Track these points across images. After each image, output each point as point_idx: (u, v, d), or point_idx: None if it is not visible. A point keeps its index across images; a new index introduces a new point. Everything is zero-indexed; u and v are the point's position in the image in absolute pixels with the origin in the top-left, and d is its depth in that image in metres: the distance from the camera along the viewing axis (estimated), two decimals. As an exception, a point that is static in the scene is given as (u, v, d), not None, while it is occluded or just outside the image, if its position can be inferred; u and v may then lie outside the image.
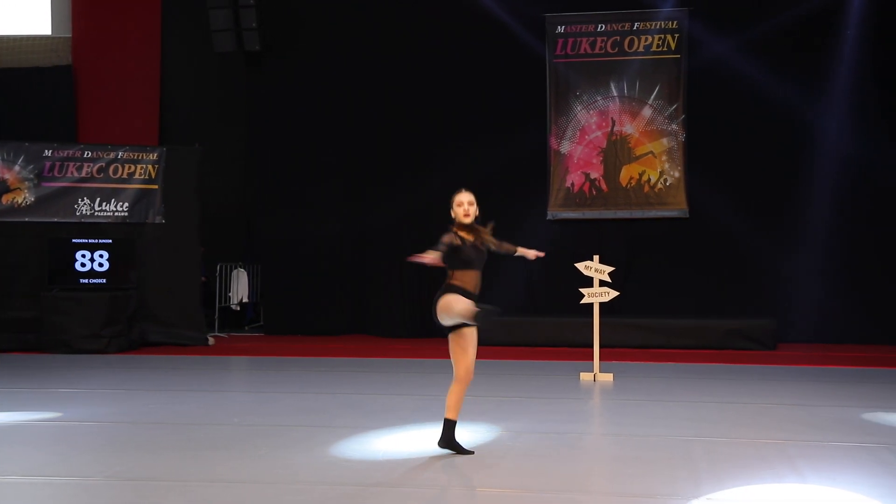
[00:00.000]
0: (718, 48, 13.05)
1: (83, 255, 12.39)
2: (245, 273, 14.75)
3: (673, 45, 13.32)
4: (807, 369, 10.35)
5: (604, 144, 13.52)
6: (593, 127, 13.58)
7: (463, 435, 6.07)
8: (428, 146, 13.74)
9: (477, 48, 13.61)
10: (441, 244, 5.73)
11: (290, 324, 14.15)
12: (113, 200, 12.74)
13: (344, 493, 5.03)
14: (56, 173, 12.65)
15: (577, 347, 11.35)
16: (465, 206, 5.85)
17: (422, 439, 6.35)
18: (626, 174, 13.45)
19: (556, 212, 13.61)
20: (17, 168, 12.55)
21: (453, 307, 5.62)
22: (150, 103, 15.20)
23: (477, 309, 5.52)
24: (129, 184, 12.80)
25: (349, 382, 9.38)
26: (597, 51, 13.56)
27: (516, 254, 6.39)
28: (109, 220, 12.72)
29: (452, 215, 5.89)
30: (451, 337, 5.82)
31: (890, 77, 12.68)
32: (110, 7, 15.32)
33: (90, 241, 12.42)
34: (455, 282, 5.78)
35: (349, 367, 10.61)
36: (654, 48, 13.36)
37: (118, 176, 12.77)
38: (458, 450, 5.89)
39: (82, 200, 12.67)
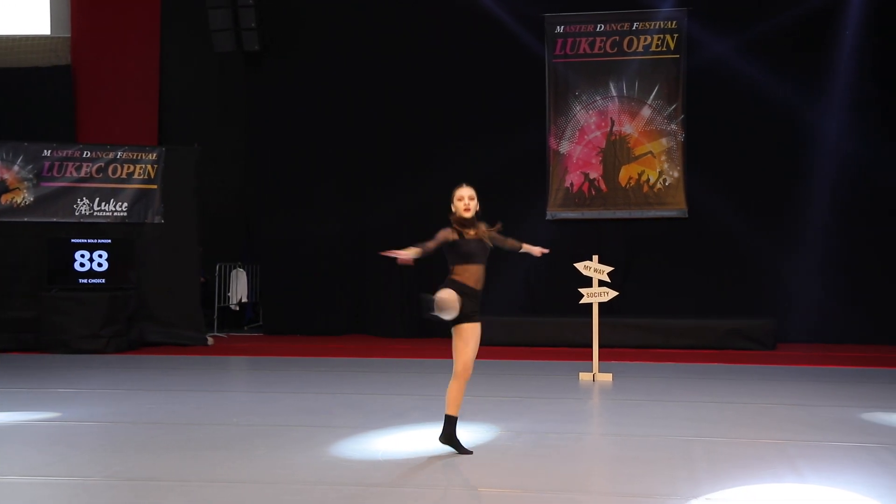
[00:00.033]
0: (717, 48, 13.05)
1: (82, 255, 12.38)
2: (244, 273, 14.75)
3: (672, 45, 13.32)
4: (806, 369, 10.35)
5: (603, 144, 13.52)
6: (592, 127, 13.58)
7: (463, 434, 6.06)
8: (427, 146, 13.74)
9: (476, 48, 13.61)
10: (431, 240, 5.74)
11: (289, 324, 14.14)
12: (112, 200, 12.74)
13: (344, 493, 5.03)
14: (55, 173, 12.65)
15: (576, 347, 11.35)
16: (465, 200, 5.85)
17: (422, 439, 6.35)
18: (626, 174, 13.45)
19: (555, 212, 13.61)
20: (16, 168, 12.54)
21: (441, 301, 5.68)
22: (150, 103, 15.19)
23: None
24: (129, 184, 12.79)
25: (349, 382, 9.37)
26: (596, 51, 13.56)
27: (521, 250, 6.39)
28: (108, 220, 12.71)
29: (453, 209, 5.88)
30: (452, 332, 5.82)
31: (890, 77, 12.68)
32: (109, 7, 15.31)
33: (89, 241, 12.42)
34: (454, 277, 5.78)
35: (349, 367, 10.61)
36: (653, 48, 13.36)
37: (117, 176, 12.76)
38: (458, 448, 5.89)
39: (81, 200, 12.67)
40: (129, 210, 12.77)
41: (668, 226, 13.32)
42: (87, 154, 12.78)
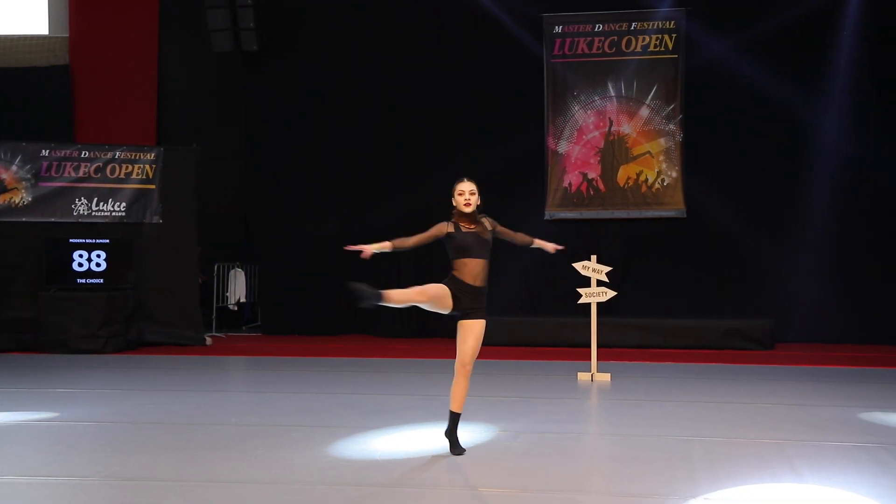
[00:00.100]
0: (716, 48, 13.05)
1: (80, 255, 12.37)
2: (242, 273, 14.74)
3: (670, 45, 13.32)
4: (805, 369, 10.35)
5: (601, 144, 13.52)
6: (591, 127, 13.58)
7: (462, 434, 6.07)
8: (427, 146, 13.73)
9: (475, 48, 13.61)
10: (420, 234, 5.74)
11: (288, 324, 14.14)
12: (110, 200, 12.73)
13: (343, 493, 5.03)
14: (53, 173, 12.64)
15: (575, 347, 11.35)
16: (465, 195, 5.81)
17: (421, 439, 6.35)
18: (624, 174, 13.46)
19: (553, 212, 13.61)
20: (14, 168, 12.53)
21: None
22: (148, 103, 15.17)
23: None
24: (127, 184, 12.78)
25: (348, 382, 9.37)
26: (594, 51, 13.56)
27: (533, 245, 6.29)
28: (107, 220, 12.70)
29: (454, 203, 5.87)
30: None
31: (889, 77, 12.69)
32: (107, 7, 15.28)
33: (87, 241, 12.40)
34: (453, 272, 5.76)
35: (348, 367, 10.60)
36: (651, 48, 13.37)
37: (115, 176, 12.75)
38: (452, 445, 5.88)
39: (80, 200, 12.65)
40: (127, 210, 12.76)
41: (667, 226, 13.33)
42: (85, 154, 12.77)
